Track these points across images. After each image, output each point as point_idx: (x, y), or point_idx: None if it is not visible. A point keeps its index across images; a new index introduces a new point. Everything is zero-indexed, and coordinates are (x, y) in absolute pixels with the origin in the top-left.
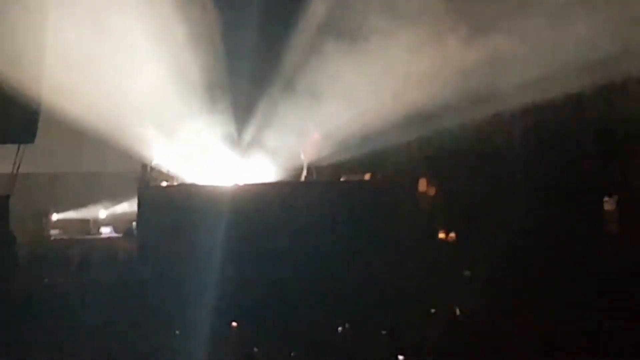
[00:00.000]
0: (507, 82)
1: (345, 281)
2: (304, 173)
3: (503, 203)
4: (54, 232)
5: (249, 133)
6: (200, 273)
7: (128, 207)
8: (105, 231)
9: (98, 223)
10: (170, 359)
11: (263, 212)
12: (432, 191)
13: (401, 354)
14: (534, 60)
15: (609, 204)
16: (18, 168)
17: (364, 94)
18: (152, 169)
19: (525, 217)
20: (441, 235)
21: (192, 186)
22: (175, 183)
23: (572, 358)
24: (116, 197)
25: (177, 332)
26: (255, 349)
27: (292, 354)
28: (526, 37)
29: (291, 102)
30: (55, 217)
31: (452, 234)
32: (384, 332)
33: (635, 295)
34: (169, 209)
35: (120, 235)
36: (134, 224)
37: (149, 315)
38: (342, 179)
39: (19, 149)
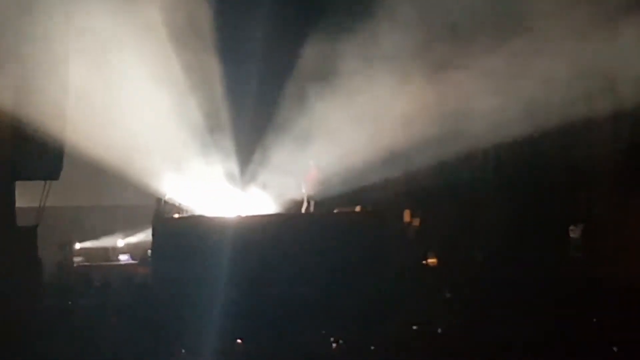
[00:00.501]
0: (481, 122)
1: (338, 300)
2: (305, 205)
3: (479, 231)
4: (77, 259)
5: (248, 170)
6: (207, 294)
7: (143, 236)
8: (123, 258)
9: (116, 251)
10: None
11: (263, 240)
12: (415, 221)
13: None
14: (503, 101)
15: (574, 232)
16: (45, 202)
17: (356, 138)
18: (165, 202)
19: (499, 244)
20: (425, 260)
21: (200, 217)
22: (185, 215)
23: None
24: (133, 227)
25: (183, 350)
26: None
27: None
28: (495, 79)
29: (286, 144)
30: (78, 245)
31: (434, 259)
32: (372, 347)
33: (597, 313)
34: (180, 237)
35: (136, 261)
36: (149, 251)
37: (161, 332)
38: (335, 211)
39: (45, 185)
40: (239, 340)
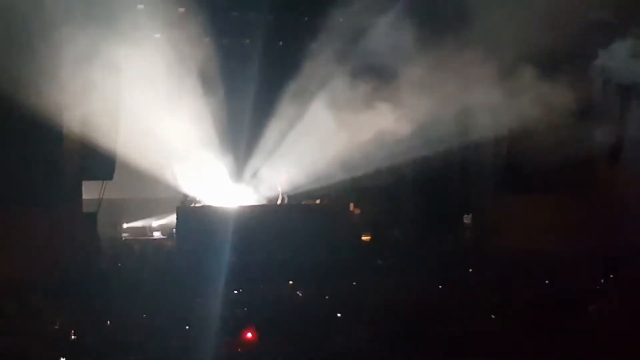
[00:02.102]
0: (401, 142)
1: (304, 264)
2: (280, 198)
3: (401, 218)
4: (124, 234)
5: (243, 175)
6: (214, 259)
7: (170, 219)
8: (156, 234)
9: (152, 229)
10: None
11: (253, 222)
12: (357, 211)
13: (338, 312)
14: (414, 127)
15: (466, 219)
16: (102, 195)
17: (316, 153)
18: (187, 196)
19: (414, 226)
20: (363, 238)
21: (209, 207)
22: (199, 204)
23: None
24: (162, 213)
25: (199, 301)
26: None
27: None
28: (409, 112)
29: (272, 154)
30: (125, 225)
31: (368, 237)
32: (326, 297)
33: (480, 272)
34: (195, 220)
35: (165, 237)
36: (174, 230)
37: (181, 286)
38: (303, 203)
39: (102, 183)
40: (235, 291)
